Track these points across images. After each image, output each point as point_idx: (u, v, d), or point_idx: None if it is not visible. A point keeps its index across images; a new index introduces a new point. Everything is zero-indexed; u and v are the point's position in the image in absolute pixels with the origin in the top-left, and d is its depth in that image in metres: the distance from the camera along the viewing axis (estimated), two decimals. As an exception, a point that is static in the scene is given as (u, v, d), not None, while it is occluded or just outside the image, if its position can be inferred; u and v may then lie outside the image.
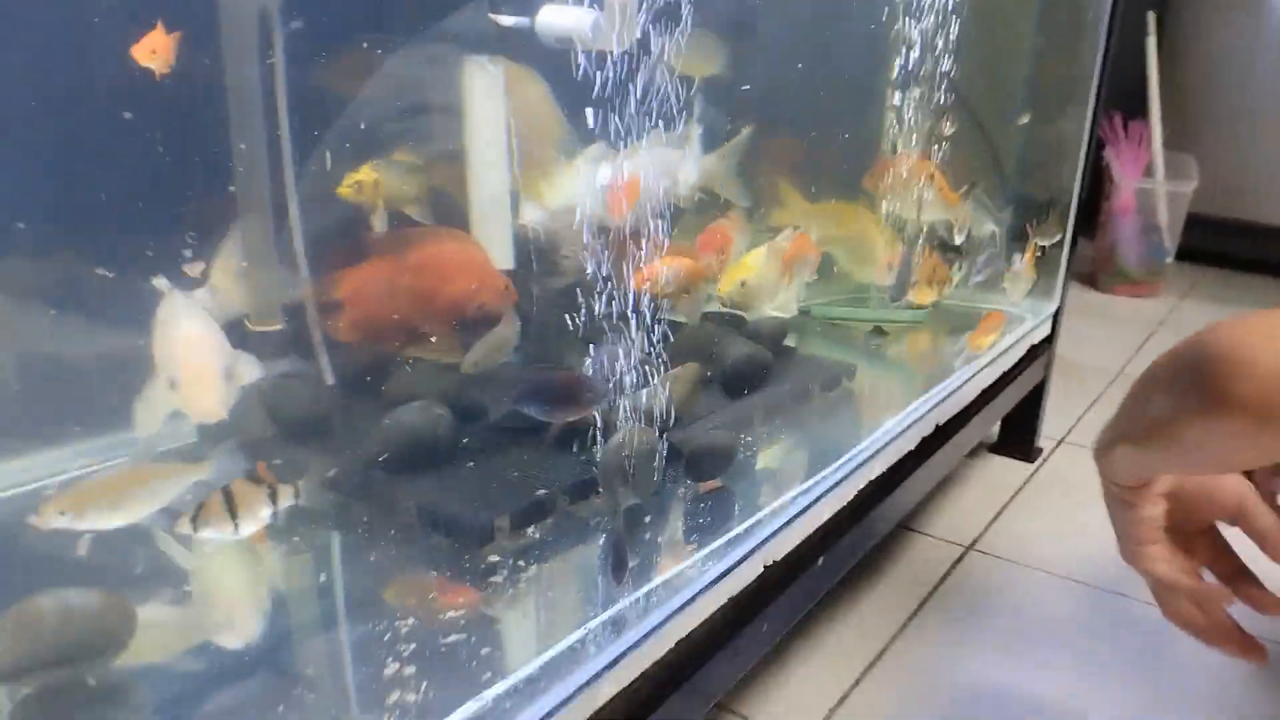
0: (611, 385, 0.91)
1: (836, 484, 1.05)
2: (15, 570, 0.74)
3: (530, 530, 0.92)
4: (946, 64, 1.41)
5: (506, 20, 1.09)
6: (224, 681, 0.75)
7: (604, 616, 0.80)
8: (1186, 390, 0.64)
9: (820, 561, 0.99)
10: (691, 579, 0.86)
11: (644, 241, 0.92)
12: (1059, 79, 1.72)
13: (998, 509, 1.48)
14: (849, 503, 1.07)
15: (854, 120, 1.50)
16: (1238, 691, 1.09)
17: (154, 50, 0.76)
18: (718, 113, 1.18)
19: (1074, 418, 1.82)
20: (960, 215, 1.46)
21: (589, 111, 0.85)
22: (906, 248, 1.43)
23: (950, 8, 1.38)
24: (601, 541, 0.81)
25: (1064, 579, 1.29)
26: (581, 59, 0.85)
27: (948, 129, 1.43)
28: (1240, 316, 0.61)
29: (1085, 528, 1.40)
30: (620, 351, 0.93)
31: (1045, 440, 1.70)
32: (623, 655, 0.76)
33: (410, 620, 0.80)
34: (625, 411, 0.93)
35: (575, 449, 0.99)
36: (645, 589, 0.84)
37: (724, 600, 0.88)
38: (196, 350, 0.76)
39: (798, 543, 0.98)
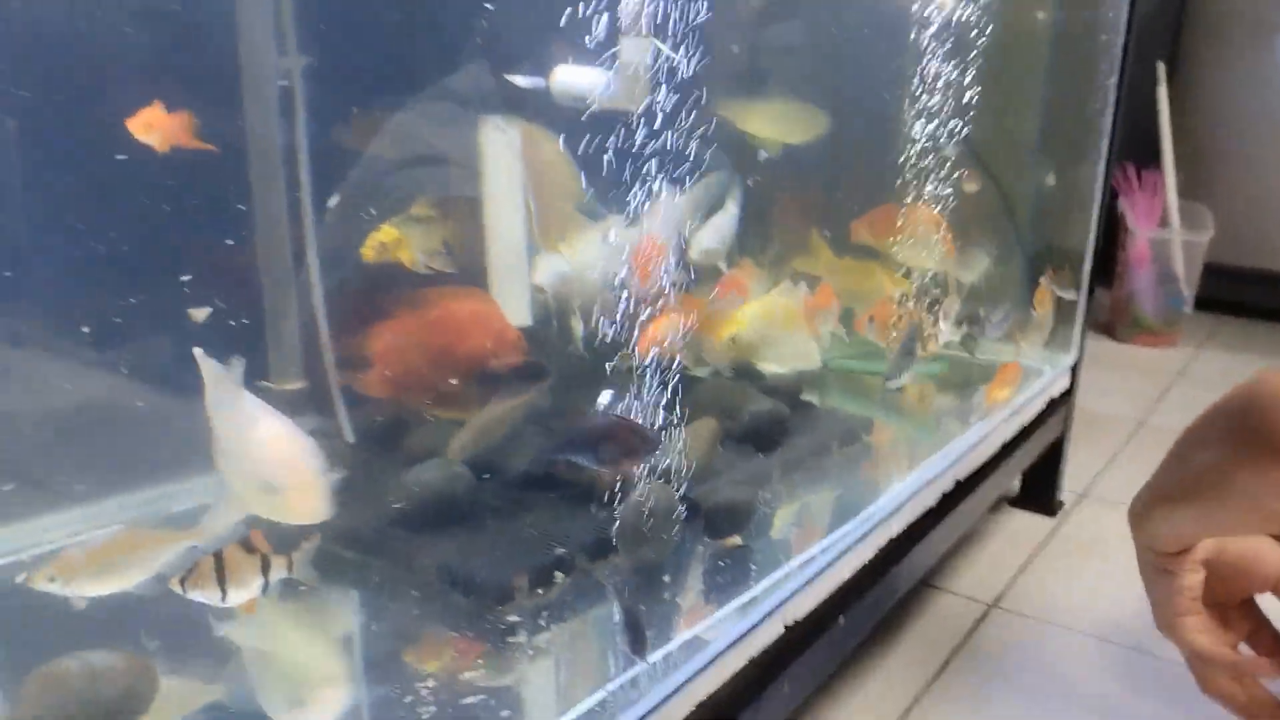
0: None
1: (857, 541, 1.04)
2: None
3: (549, 589, 0.92)
4: (962, 122, 1.42)
5: (523, 81, 1.11)
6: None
7: (625, 677, 0.79)
8: (1236, 440, 0.63)
9: (842, 620, 0.98)
10: (712, 639, 0.85)
11: (660, 301, 0.93)
12: (1071, 130, 1.73)
13: (1020, 565, 1.46)
14: (870, 560, 1.06)
15: (874, 177, 1.51)
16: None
17: (151, 125, 0.77)
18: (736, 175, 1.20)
19: (1095, 471, 1.80)
20: (954, 265, 1.46)
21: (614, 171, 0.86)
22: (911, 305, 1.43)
23: (965, 65, 1.40)
24: (617, 616, 0.79)
25: (1088, 636, 1.27)
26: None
27: (969, 185, 1.44)
28: None
29: (1109, 583, 1.38)
30: (636, 407, 0.93)
31: (1067, 494, 1.69)
32: (645, 717, 0.75)
33: (430, 681, 0.79)
34: (643, 468, 0.93)
35: (593, 506, 0.99)
36: (665, 650, 0.83)
37: (745, 661, 0.87)
38: (292, 451, 0.74)
39: (819, 601, 0.97)
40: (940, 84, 1.39)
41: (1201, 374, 2.46)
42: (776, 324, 1.20)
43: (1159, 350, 2.65)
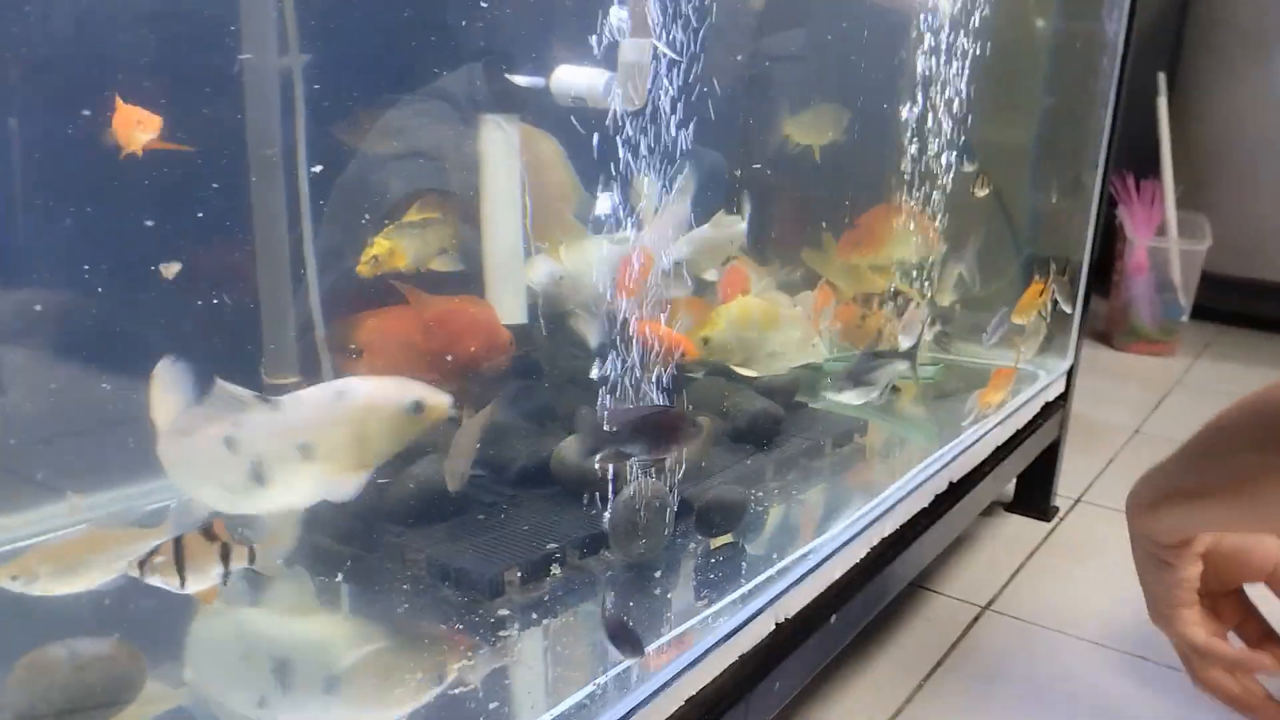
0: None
1: (849, 540, 1.04)
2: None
3: (540, 584, 0.92)
4: (961, 129, 1.43)
5: (522, 80, 1.11)
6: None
7: (613, 673, 0.79)
8: (1269, 443, 0.63)
9: (833, 619, 0.98)
10: (702, 635, 0.85)
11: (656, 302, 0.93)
12: (1069, 139, 1.74)
13: (1014, 569, 1.46)
14: (862, 559, 1.06)
15: (875, 183, 1.53)
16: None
17: (139, 122, 0.77)
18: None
19: (1090, 476, 1.81)
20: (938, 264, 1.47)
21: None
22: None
23: (966, 76, 1.41)
24: (605, 621, 0.78)
25: (1082, 640, 1.27)
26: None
27: (979, 190, 1.45)
28: None
29: (1103, 588, 1.38)
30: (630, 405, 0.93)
31: (1061, 499, 1.69)
32: (632, 712, 0.75)
33: (417, 673, 0.79)
34: (636, 466, 0.93)
35: (585, 502, 0.99)
36: (654, 645, 0.83)
37: (735, 657, 0.87)
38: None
39: (810, 600, 0.97)
40: (940, 92, 1.40)
41: (1198, 383, 2.46)
42: (754, 326, 1.18)
43: (1156, 359, 2.66)
